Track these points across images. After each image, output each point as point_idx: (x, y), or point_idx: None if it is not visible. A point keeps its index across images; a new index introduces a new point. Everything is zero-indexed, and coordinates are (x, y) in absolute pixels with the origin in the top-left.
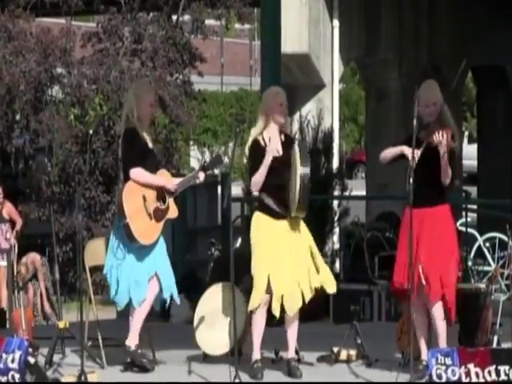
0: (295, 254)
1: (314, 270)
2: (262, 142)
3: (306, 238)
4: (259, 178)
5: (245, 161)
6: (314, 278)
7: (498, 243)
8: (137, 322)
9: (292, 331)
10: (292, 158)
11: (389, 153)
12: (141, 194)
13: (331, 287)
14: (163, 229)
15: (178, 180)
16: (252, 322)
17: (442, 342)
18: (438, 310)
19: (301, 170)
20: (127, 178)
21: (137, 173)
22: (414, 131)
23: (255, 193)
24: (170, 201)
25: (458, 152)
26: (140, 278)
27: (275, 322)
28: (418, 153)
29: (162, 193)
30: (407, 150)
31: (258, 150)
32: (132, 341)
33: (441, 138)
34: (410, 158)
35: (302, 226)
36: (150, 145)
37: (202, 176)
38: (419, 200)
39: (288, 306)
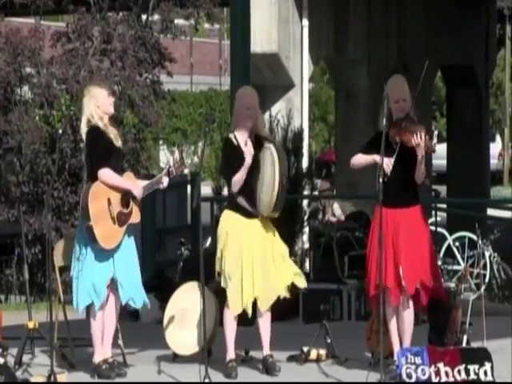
0: (266, 252)
1: (284, 268)
2: (234, 141)
3: (275, 236)
4: (239, 177)
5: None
6: (286, 276)
7: (467, 242)
8: (95, 335)
9: (265, 329)
10: (267, 159)
11: (361, 161)
12: (106, 197)
13: (301, 282)
14: (127, 232)
15: (143, 183)
16: (224, 322)
17: (407, 340)
18: (409, 307)
19: (281, 171)
20: (94, 177)
21: (105, 174)
22: (384, 130)
23: (226, 191)
24: (133, 205)
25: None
26: (97, 281)
27: (249, 320)
28: (391, 161)
29: (126, 197)
30: (379, 159)
31: (228, 148)
32: (97, 356)
33: (419, 140)
34: (382, 165)
35: (270, 225)
36: (117, 143)
37: (165, 181)
38: (394, 201)
39: (261, 303)
